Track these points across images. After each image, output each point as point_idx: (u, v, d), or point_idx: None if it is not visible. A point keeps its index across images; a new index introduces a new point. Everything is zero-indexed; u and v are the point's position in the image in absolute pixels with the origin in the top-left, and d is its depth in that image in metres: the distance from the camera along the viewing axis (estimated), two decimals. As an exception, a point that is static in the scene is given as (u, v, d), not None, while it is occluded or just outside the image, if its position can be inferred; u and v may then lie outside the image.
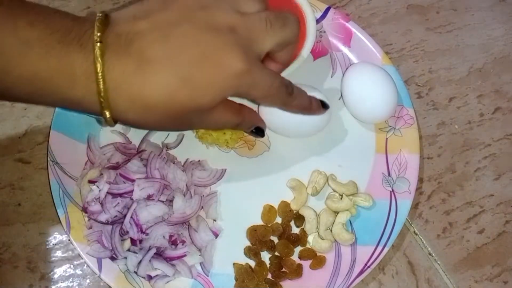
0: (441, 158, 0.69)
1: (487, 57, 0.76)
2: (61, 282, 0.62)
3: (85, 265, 0.62)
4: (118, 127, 0.67)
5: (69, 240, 0.61)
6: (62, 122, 0.65)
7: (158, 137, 0.67)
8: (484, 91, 0.74)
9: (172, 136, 0.67)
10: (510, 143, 0.71)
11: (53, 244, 0.63)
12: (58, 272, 0.62)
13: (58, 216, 0.61)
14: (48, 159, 0.63)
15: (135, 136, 0.66)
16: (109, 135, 0.66)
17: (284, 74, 0.64)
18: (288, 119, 0.61)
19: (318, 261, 0.61)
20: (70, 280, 0.62)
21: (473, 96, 0.74)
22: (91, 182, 0.62)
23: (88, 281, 0.62)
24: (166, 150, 0.65)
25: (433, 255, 0.64)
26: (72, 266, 0.62)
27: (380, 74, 0.65)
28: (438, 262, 0.64)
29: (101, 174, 0.62)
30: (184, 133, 0.67)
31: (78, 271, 0.62)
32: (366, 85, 0.65)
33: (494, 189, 0.68)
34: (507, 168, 0.69)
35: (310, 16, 0.68)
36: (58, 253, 0.63)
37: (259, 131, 0.59)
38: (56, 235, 0.64)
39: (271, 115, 0.63)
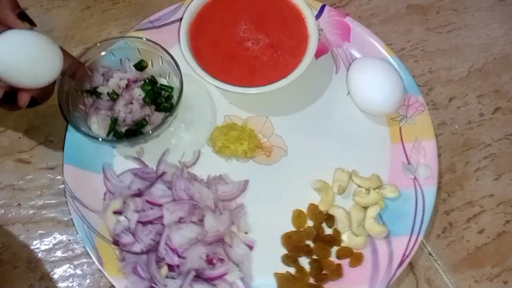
0: (441, 158, 0.69)
1: (487, 57, 0.76)
2: (61, 282, 0.62)
3: (85, 265, 0.62)
4: (132, 151, 0.66)
5: (101, 276, 0.61)
6: (74, 155, 0.64)
7: (174, 157, 0.66)
8: (484, 91, 0.74)
9: (188, 154, 0.66)
10: (510, 143, 0.71)
11: (53, 244, 0.63)
12: (58, 272, 0.62)
13: (87, 252, 0.60)
14: (67, 195, 0.62)
15: (150, 158, 0.65)
16: (123, 162, 0.65)
17: (295, 75, 0.64)
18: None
19: (356, 258, 0.61)
20: (70, 280, 0.62)
21: (473, 96, 0.73)
22: (116, 213, 0.60)
23: (88, 281, 0.62)
24: (186, 169, 0.64)
25: (433, 255, 0.64)
26: (72, 266, 0.62)
27: (385, 66, 0.66)
28: (438, 262, 0.64)
29: (125, 203, 0.61)
30: (200, 149, 0.66)
31: (78, 271, 0.62)
32: (373, 79, 0.65)
33: (494, 189, 0.68)
34: (507, 168, 0.69)
35: (309, 17, 0.68)
36: (58, 253, 0.63)
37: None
38: (56, 235, 0.64)
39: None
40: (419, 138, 0.66)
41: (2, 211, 0.65)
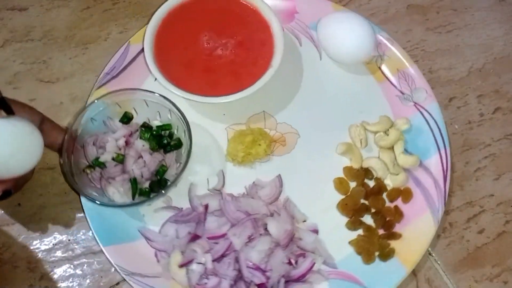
0: (441, 158, 0.69)
1: (487, 57, 0.76)
2: (61, 282, 0.62)
3: (85, 265, 0.62)
4: (158, 203, 0.63)
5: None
6: (106, 235, 0.60)
7: (201, 188, 0.64)
8: (484, 91, 0.74)
9: (213, 179, 0.64)
10: (510, 143, 0.71)
11: (53, 244, 0.63)
12: (58, 272, 0.62)
13: None
14: (123, 275, 0.58)
15: (178, 201, 0.63)
16: (154, 217, 0.62)
17: (277, 60, 0.65)
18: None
19: (406, 194, 0.64)
20: (70, 280, 0.62)
21: (473, 96, 0.74)
22: (184, 265, 0.58)
23: (88, 281, 0.62)
24: (223, 191, 0.63)
25: (433, 255, 0.64)
26: (72, 266, 0.62)
27: (348, 15, 0.69)
28: (438, 262, 0.64)
29: (183, 252, 0.59)
30: (222, 168, 0.65)
31: (78, 271, 0.62)
32: (344, 29, 0.68)
33: (494, 189, 0.68)
34: (507, 168, 0.69)
35: (260, 3, 0.68)
36: (58, 253, 0.63)
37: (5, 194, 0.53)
38: (56, 235, 0.64)
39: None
40: (400, 68, 0.71)
41: (2, 211, 0.65)
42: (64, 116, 0.69)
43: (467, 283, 0.63)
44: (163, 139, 0.63)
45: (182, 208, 0.63)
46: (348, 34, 0.68)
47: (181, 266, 0.58)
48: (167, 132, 0.64)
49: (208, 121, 0.68)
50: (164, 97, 0.61)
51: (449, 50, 0.76)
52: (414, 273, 0.63)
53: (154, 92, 0.62)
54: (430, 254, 0.64)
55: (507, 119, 0.72)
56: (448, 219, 0.66)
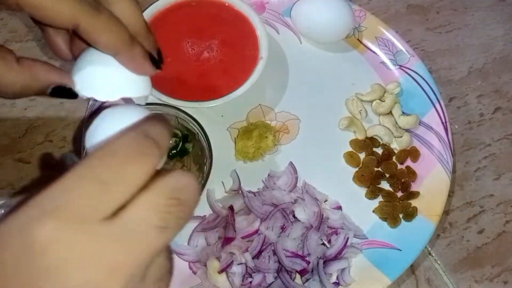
0: (441, 158, 0.69)
1: (487, 57, 0.76)
2: (61, 282, 0.61)
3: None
4: None
5: None
6: None
7: (217, 193, 0.63)
8: (484, 91, 0.74)
9: (228, 180, 0.64)
10: (510, 143, 0.71)
11: (53, 244, 0.63)
12: (58, 272, 0.62)
13: None
14: None
15: (200, 209, 0.62)
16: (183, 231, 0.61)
17: (265, 49, 0.64)
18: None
19: (414, 153, 0.66)
20: (70, 280, 0.61)
21: (473, 96, 0.74)
22: (223, 270, 0.57)
23: (88, 281, 0.61)
24: (244, 190, 0.63)
25: (433, 255, 0.64)
26: (72, 266, 0.62)
27: None
28: (438, 262, 0.64)
29: (218, 258, 0.58)
30: (235, 166, 0.64)
31: (78, 271, 0.62)
32: (323, 10, 0.68)
33: (494, 189, 0.68)
34: (507, 168, 0.69)
35: (239, 3, 0.67)
36: (58, 253, 0.63)
37: (61, 91, 0.40)
38: (56, 235, 0.64)
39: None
40: (378, 35, 0.72)
41: (2, 211, 0.65)
42: (65, 116, 0.69)
43: (467, 283, 0.63)
44: (176, 147, 0.63)
45: (205, 215, 0.62)
46: (324, 13, 0.68)
47: (221, 271, 0.58)
48: (176, 140, 0.63)
49: (209, 126, 0.66)
50: (166, 105, 0.61)
51: (449, 50, 0.76)
52: (414, 273, 0.63)
53: (155, 104, 0.61)
54: (430, 254, 0.64)
55: (507, 119, 0.72)
56: (448, 219, 0.66)
